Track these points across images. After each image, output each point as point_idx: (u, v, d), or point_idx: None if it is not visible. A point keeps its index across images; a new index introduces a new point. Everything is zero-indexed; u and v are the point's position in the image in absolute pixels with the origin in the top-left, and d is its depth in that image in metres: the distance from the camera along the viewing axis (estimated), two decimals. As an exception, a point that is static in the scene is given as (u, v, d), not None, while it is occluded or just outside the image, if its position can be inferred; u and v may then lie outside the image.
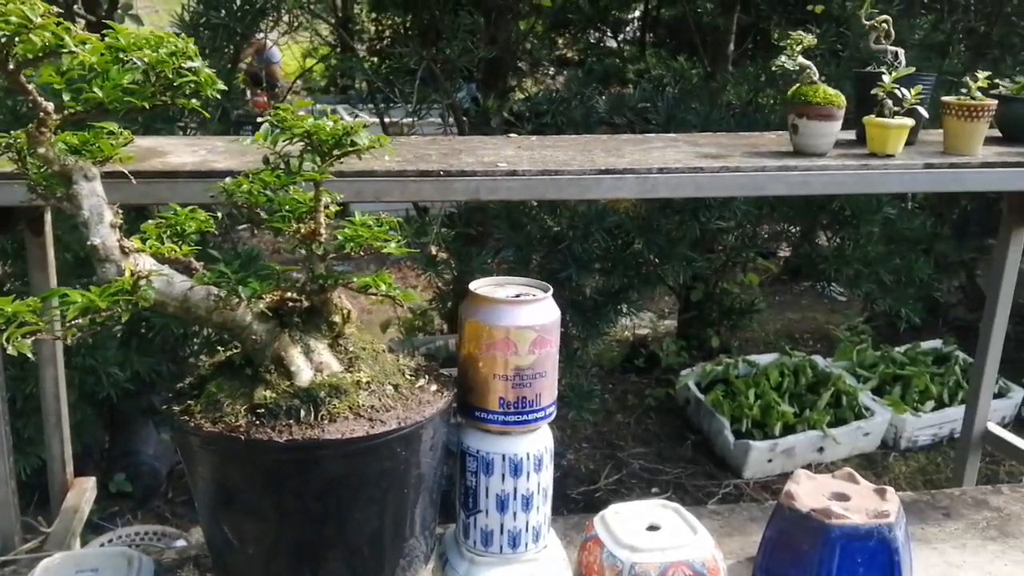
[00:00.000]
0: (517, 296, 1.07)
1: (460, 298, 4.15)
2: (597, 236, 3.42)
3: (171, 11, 3.22)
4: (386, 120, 4.12)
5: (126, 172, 1.08)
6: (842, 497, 1.25)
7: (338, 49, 4.57)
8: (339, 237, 0.93)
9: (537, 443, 1.09)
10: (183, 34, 3.00)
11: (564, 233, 3.44)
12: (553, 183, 1.24)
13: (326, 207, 0.96)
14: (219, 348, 1.07)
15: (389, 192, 1.23)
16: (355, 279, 0.94)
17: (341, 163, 0.90)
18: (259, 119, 0.89)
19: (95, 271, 0.93)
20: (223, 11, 3.01)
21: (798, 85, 1.54)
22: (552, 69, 5.80)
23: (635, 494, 3.72)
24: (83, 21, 3.39)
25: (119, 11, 3.49)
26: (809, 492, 1.25)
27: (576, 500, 3.58)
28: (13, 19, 0.77)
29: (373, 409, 0.95)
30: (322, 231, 0.94)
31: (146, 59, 0.90)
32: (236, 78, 3.68)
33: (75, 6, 3.46)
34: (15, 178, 0.97)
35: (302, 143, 0.90)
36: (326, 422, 0.92)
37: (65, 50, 0.82)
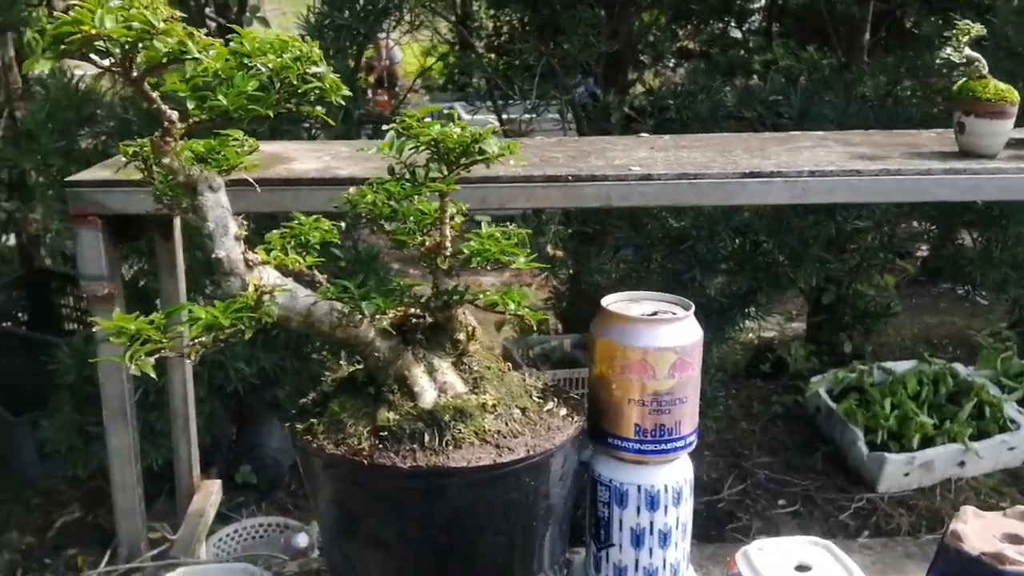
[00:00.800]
0: (654, 314, 0.99)
1: (576, 298, 4.11)
2: (724, 236, 3.29)
3: (297, 12, 3.26)
4: (504, 117, 4.08)
5: (251, 180, 1.05)
6: (1016, 539, 1.11)
7: (457, 47, 4.56)
8: (465, 251, 0.87)
9: (676, 474, 1.01)
10: (308, 36, 3.04)
11: (687, 232, 3.33)
12: (692, 188, 1.15)
13: (452, 218, 0.90)
14: (341, 356, 1.03)
15: (515, 198, 1.16)
16: (482, 296, 0.88)
17: (468, 172, 0.84)
18: (385, 127, 0.84)
19: (223, 281, 0.91)
20: (347, 12, 3.01)
21: (964, 80, 1.39)
22: (673, 62, 5.64)
23: (760, 505, 3.58)
24: (213, 24, 3.48)
25: (248, 14, 3.57)
26: (978, 532, 1.12)
27: (698, 511, 3.45)
28: (136, 25, 0.75)
29: (500, 435, 0.89)
30: (448, 244, 0.89)
31: (270, 64, 0.86)
32: (359, 78, 3.71)
33: (206, 9, 3.55)
34: (143, 186, 0.95)
35: (428, 151, 0.84)
36: (451, 448, 0.87)
37: (189, 56, 0.79)
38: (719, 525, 3.40)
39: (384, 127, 0.83)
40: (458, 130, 0.83)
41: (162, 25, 0.76)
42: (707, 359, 3.49)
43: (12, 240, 4.98)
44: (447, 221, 0.88)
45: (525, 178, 1.15)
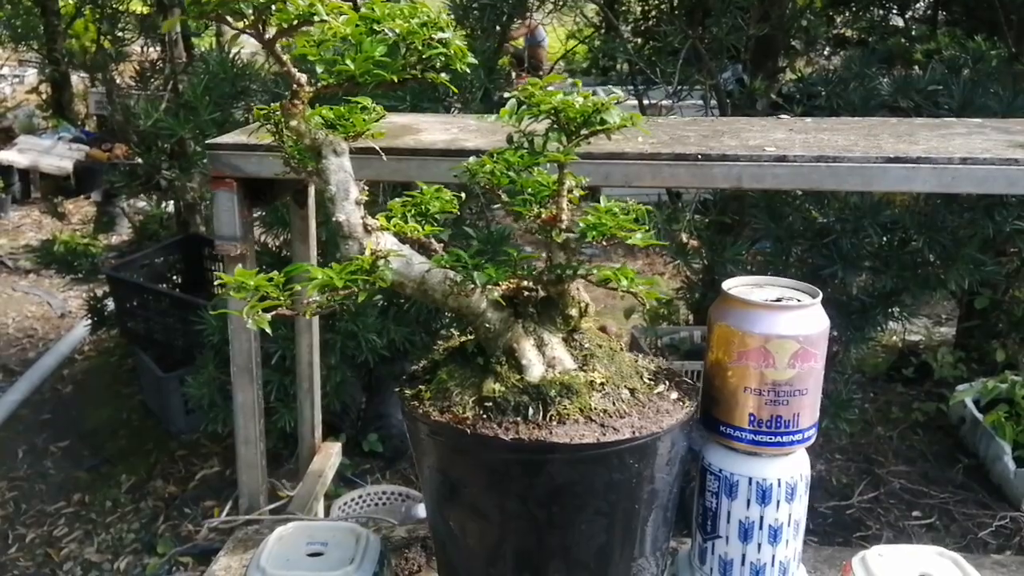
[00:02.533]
0: (778, 300, 0.94)
1: (709, 289, 4.01)
2: (870, 231, 3.13)
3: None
4: (645, 102, 4.01)
5: (377, 148, 1.06)
6: None
7: (603, 30, 4.52)
8: (581, 224, 0.85)
9: (791, 469, 0.96)
10: (453, 15, 3.06)
11: (831, 226, 3.18)
12: (830, 171, 1.08)
13: (570, 191, 0.89)
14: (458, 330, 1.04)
15: (640, 176, 1.13)
16: (595, 271, 0.86)
17: (589, 143, 0.82)
18: (506, 94, 0.83)
19: (342, 244, 0.92)
20: (493, -8, 3.03)
21: None
22: (828, 49, 5.41)
23: (892, 515, 3.42)
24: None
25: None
26: None
27: (824, 515, 3.34)
28: (268, -12, 0.76)
29: (606, 414, 0.87)
30: (564, 217, 0.87)
31: (398, 29, 0.86)
32: (501, 60, 3.72)
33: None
34: (276, 150, 0.97)
35: (548, 121, 0.82)
36: (554, 423, 0.85)
37: (317, 19, 0.80)
38: (846, 531, 3.26)
39: (506, 94, 0.82)
40: (580, 99, 0.81)
41: (293, -12, 0.77)
42: (845, 359, 3.36)
43: (171, 207, 5.29)
44: (564, 193, 0.86)
45: (652, 155, 1.12)
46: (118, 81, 5.62)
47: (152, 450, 3.82)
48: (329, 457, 1.63)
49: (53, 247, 5.91)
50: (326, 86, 0.89)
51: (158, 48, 5.13)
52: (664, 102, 3.87)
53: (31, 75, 9.29)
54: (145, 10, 5.13)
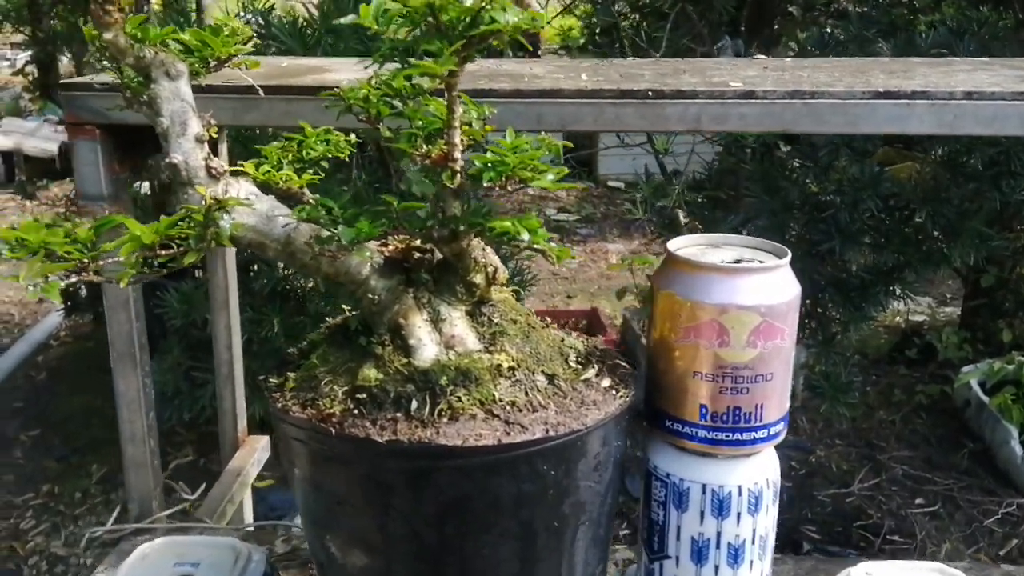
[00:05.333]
0: (736, 262, 0.74)
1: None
2: (870, 204, 2.98)
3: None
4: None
5: (253, 84, 0.87)
6: None
7: (598, 5, 4.35)
8: (477, 164, 0.66)
9: (754, 473, 0.76)
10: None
11: (829, 200, 3.02)
12: (807, 109, 0.89)
13: (466, 124, 0.69)
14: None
15: (579, 118, 0.94)
16: (495, 223, 0.66)
17: (478, 57, 0.63)
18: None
19: (180, 193, 0.73)
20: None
21: None
22: (828, 20, 5.22)
23: (895, 503, 3.29)
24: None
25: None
26: None
27: (822, 503, 3.20)
28: None
29: (513, 407, 0.68)
30: (456, 155, 0.67)
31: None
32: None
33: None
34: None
35: (425, 26, 0.63)
36: (444, 420, 0.66)
37: None
38: (846, 521, 3.13)
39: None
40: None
41: None
42: (845, 340, 3.20)
43: (146, 187, 5.12)
44: (456, 125, 0.67)
45: (593, 92, 0.92)
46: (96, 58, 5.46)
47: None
48: (253, 452, 1.45)
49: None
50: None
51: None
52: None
53: (22, 58, 9.13)
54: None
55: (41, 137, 7.40)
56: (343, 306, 0.82)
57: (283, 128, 0.95)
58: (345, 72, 1.08)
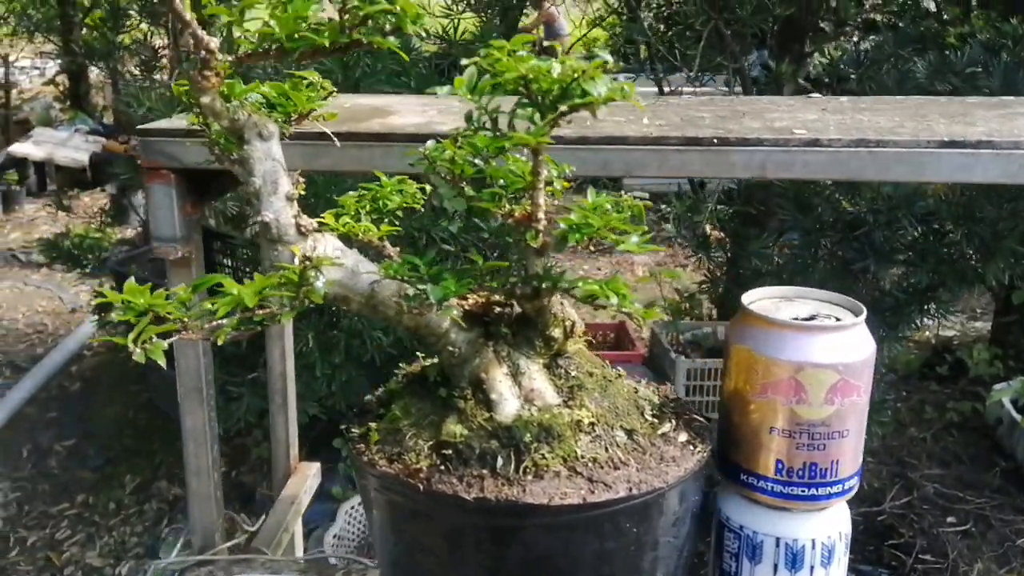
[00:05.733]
0: (811, 318, 0.75)
1: (733, 283, 3.83)
2: (904, 223, 2.96)
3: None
4: (665, 88, 3.83)
5: (329, 133, 0.89)
6: None
7: (624, 16, 4.36)
8: (562, 224, 0.67)
9: (828, 527, 0.77)
10: (462, 2, 2.89)
11: (862, 217, 3.01)
12: (872, 158, 0.90)
13: (549, 183, 0.71)
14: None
15: (644, 164, 0.95)
16: (580, 284, 0.67)
17: (569, 122, 0.64)
18: (464, 60, 0.65)
19: (270, 250, 0.75)
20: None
21: None
22: (857, 34, 5.21)
23: (926, 522, 3.28)
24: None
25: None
26: None
27: (854, 522, 3.15)
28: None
29: (595, 464, 0.69)
30: (540, 215, 0.69)
31: (332, -17, 0.68)
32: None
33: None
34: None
35: (517, 93, 0.65)
36: (530, 477, 0.68)
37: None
38: (877, 539, 3.12)
39: (464, 61, 0.65)
40: (556, 67, 0.63)
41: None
42: (877, 359, 3.20)
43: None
44: (540, 186, 0.68)
45: (658, 140, 0.93)
46: (128, 70, 5.52)
47: (158, 450, 3.73)
48: (305, 480, 1.47)
49: (63, 241, 5.83)
50: (247, 54, 0.71)
51: (164, 38, 5.01)
52: (685, 89, 3.70)
53: (52, 68, 9.25)
54: (156, -3, 5.00)
55: (72, 147, 7.49)
56: (378, 331, 0.83)
57: (353, 174, 0.97)
58: (409, 115, 1.10)
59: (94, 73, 8.00)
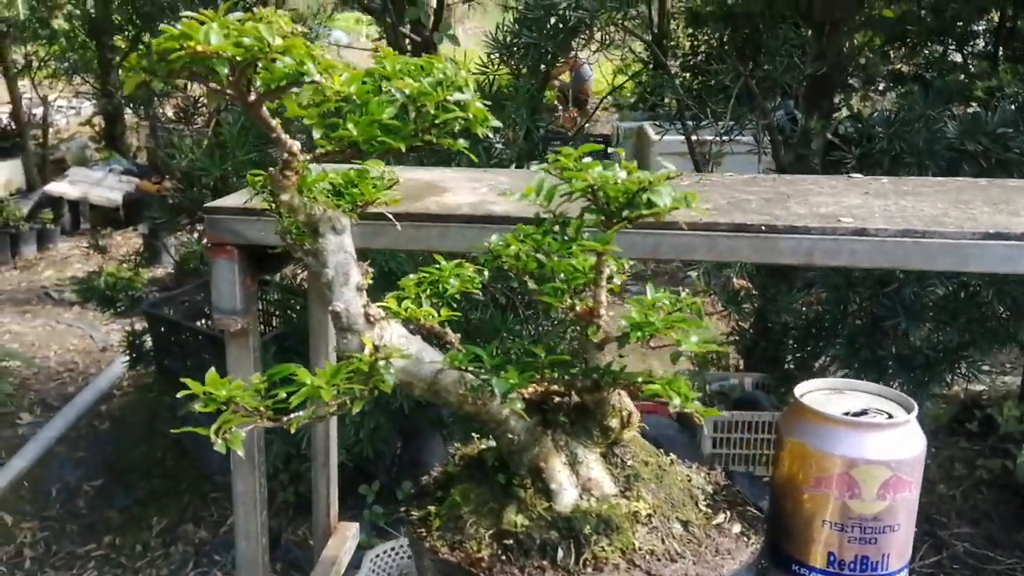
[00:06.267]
0: (863, 412, 0.77)
1: (760, 336, 3.83)
2: (935, 280, 2.96)
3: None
4: (693, 139, 3.87)
5: (389, 216, 0.93)
6: None
7: (650, 66, 4.41)
8: (624, 321, 0.70)
9: (878, 619, 0.79)
10: (496, 55, 2.95)
11: (892, 274, 3.01)
12: (918, 248, 0.92)
13: (609, 279, 0.74)
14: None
15: (694, 249, 0.98)
16: (640, 379, 0.70)
17: (630, 227, 0.67)
18: (534, 165, 0.69)
19: (340, 338, 0.79)
20: (535, 31, 2.92)
21: None
22: (883, 85, 5.24)
23: None
24: (407, 41, 3.48)
25: (439, 32, 3.55)
26: None
27: (885, 584, 3.12)
28: (247, 42, 0.63)
29: (653, 556, 0.71)
30: (602, 311, 0.72)
31: (408, 90, 0.72)
32: (547, 95, 3.63)
33: (402, 27, 3.56)
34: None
35: (584, 199, 0.68)
36: (589, 570, 0.70)
37: (308, 79, 0.66)
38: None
39: (534, 165, 0.68)
40: (622, 175, 0.66)
41: (279, 42, 0.64)
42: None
43: (211, 241, 5.25)
44: (602, 283, 0.71)
45: (708, 225, 0.96)
46: (166, 115, 5.64)
47: (185, 491, 3.75)
48: (345, 541, 1.49)
49: (96, 280, 5.92)
50: (324, 153, 0.75)
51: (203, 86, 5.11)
52: (712, 137, 3.74)
53: (87, 107, 9.45)
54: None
55: (106, 187, 7.62)
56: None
57: (410, 252, 1.00)
58: (462, 193, 1.14)
59: (129, 114, 8.17)
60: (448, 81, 0.73)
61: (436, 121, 0.72)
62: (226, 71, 0.63)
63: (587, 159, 0.69)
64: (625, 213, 0.65)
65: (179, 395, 0.64)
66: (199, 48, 0.62)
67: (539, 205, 0.69)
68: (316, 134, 0.73)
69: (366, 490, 3.38)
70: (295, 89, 0.69)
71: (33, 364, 5.04)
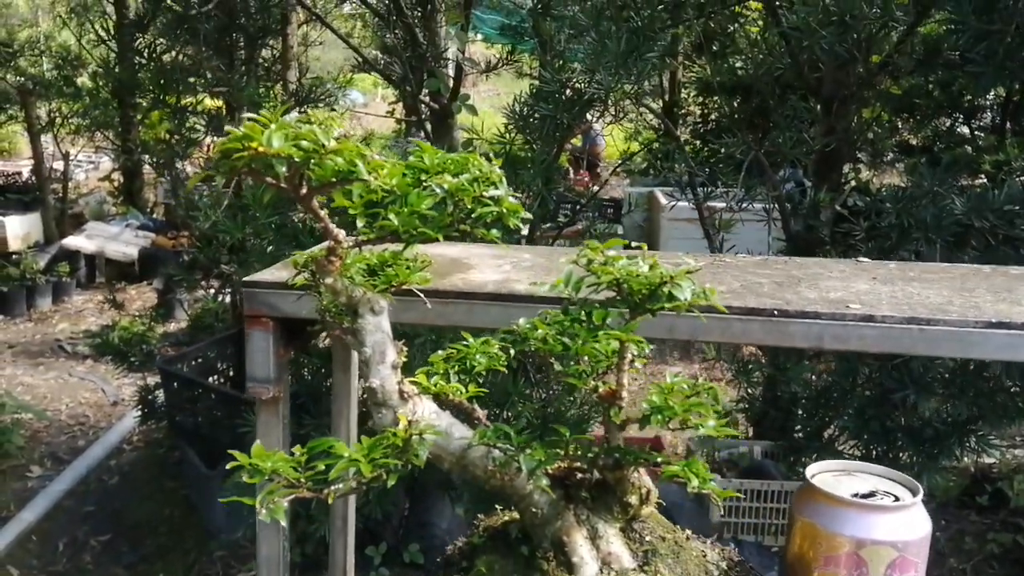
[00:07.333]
0: (871, 495, 0.82)
1: (769, 404, 3.84)
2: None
3: (512, 92, 3.29)
4: (704, 207, 3.94)
5: (419, 294, 0.98)
6: None
7: (661, 132, 4.50)
8: (645, 405, 0.75)
9: None
10: (513, 125, 3.04)
11: (902, 347, 3.01)
12: (923, 335, 0.97)
13: (631, 363, 0.78)
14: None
15: (708, 331, 1.03)
16: (659, 458, 0.74)
17: (654, 317, 0.72)
18: (565, 264, 0.74)
19: (375, 412, 0.83)
20: (551, 103, 3.02)
21: None
22: (890, 155, 5.32)
23: None
24: (425, 109, 3.59)
25: (457, 102, 3.66)
26: None
27: (896, 660, 3.08)
28: (305, 144, 0.69)
29: (671, 632, 0.75)
30: (624, 394, 0.77)
31: (446, 185, 0.78)
32: (561, 159, 3.71)
33: (420, 95, 3.67)
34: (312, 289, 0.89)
35: (609, 291, 0.73)
36: (610, 644, 0.73)
37: (357, 177, 0.72)
38: None
39: (562, 259, 0.73)
40: (646, 269, 0.71)
41: (332, 144, 0.70)
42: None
43: (228, 299, 5.32)
44: (625, 367, 0.76)
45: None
46: (185, 173, 5.74)
47: (191, 549, 3.74)
48: (360, 604, 1.51)
49: (110, 334, 5.97)
50: (366, 240, 0.81)
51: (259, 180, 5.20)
52: (723, 206, 3.80)
53: (106, 162, 9.62)
54: (215, 104, 5.25)
55: (123, 241, 7.72)
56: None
57: (436, 327, 1.05)
58: (487, 270, 1.19)
59: (147, 170, 8.31)
60: (483, 177, 0.79)
61: (472, 214, 0.78)
62: (284, 170, 0.69)
63: (612, 252, 0.75)
64: (648, 305, 0.70)
65: (228, 467, 0.69)
66: (261, 149, 0.68)
67: (567, 296, 0.74)
68: (359, 223, 0.79)
69: (373, 551, 3.38)
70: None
71: (45, 417, 5.07)
